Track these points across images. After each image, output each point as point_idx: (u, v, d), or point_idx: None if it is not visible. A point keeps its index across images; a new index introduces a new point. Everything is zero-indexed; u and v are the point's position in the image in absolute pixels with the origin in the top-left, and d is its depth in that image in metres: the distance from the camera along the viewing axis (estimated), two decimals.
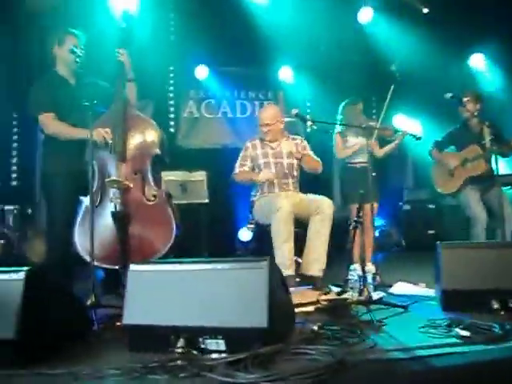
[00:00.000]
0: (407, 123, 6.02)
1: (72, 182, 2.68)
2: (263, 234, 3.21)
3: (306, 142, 3.50)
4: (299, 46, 5.58)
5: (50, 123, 2.71)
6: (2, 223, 4.52)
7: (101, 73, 2.79)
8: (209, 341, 1.69)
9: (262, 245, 3.25)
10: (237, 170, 3.41)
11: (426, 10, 5.27)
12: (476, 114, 3.71)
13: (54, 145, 2.76)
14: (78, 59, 2.57)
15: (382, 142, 3.97)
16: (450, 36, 5.43)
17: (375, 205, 3.70)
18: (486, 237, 3.70)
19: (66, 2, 4.23)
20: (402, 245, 5.94)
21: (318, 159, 3.41)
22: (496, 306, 2.12)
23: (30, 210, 4.73)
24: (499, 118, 4.03)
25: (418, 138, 3.52)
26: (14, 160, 5.28)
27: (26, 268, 1.77)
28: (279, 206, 2.96)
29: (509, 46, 5.34)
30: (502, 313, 2.08)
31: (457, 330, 1.85)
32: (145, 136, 2.68)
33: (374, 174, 3.50)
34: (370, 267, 3.34)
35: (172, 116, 5.79)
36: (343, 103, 3.87)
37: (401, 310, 2.35)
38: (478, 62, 5.95)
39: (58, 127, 2.71)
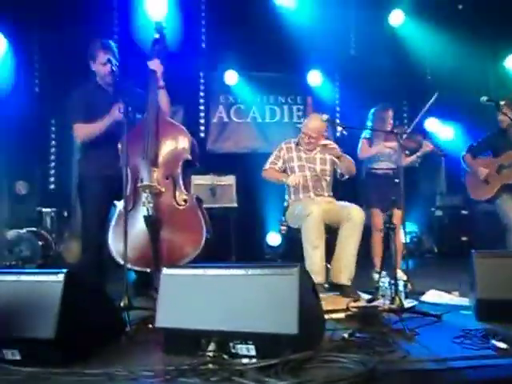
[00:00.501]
0: (438, 127, 5.90)
1: (106, 187, 2.77)
2: (292, 239, 3.21)
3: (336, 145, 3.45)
4: (328, 50, 5.55)
5: (81, 130, 2.81)
6: (41, 225, 4.71)
7: (136, 80, 2.87)
8: (239, 346, 1.71)
9: (291, 249, 3.25)
10: (267, 166, 3.42)
11: (460, 7, 5.13)
12: None
13: (90, 151, 2.87)
14: (112, 69, 2.65)
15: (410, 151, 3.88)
16: (484, 36, 5.30)
17: (398, 211, 3.64)
18: None
19: (105, 13, 4.37)
20: (434, 251, 5.80)
21: (351, 158, 3.37)
22: None
23: (66, 213, 4.91)
24: None
25: (442, 155, 3.44)
26: (52, 164, 5.49)
27: (64, 270, 1.83)
28: (310, 212, 2.96)
29: None
30: None
31: (493, 341, 1.80)
32: (176, 142, 2.74)
33: (396, 180, 3.46)
34: (400, 274, 3.28)
35: (202, 121, 5.88)
36: (373, 109, 3.83)
37: (434, 319, 2.31)
38: None
39: (88, 129, 2.79)
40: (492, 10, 5.10)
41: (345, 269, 2.99)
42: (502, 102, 3.58)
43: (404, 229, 2.89)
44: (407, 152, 3.71)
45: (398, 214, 3.59)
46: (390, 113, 3.77)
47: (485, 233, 5.28)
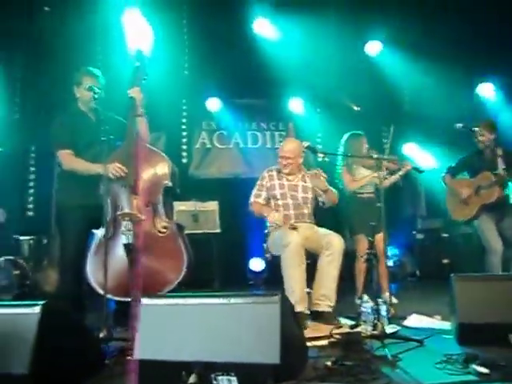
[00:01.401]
0: (416, 152, 6.05)
1: (85, 216, 2.74)
2: (276, 264, 3.20)
3: (323, 174, 3.48)
4: (309, 78, 5.69)
5: (67, 160, 2.81)
6: (18, 253, 4.59)
7: (117, 108, 2.89)
8: (221, 377, 1.68)
9: (275, 275, 3.23)
10: (252, 199, 3.43)
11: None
12: (490, 143, 3.72)
13: (69, 179, 2.84)
14: (95, 96, 2.67)
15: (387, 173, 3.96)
16: (458, 65, 5.50)
17: (381, 235, 3.68)
18: (502, 267, 3.64)
19: (85, 42, 4.41)
20: (416, 275, 5.84)
21: (335, 190, 3.42)
22: None
23: (45, 241, 4.80)
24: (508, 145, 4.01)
25: (421, 171, 3.53)
26: (31, 191, 5.41)
27: (41, 302, 1.79)
28: (289, 242, 2.95)
29: None
30: None
31: (474, 366, 1.81)
32: (156, 168, 2.74)
33: (378, 204, 3.50)
34: (388, 297, 3.29)
35: (185, 147, 5.90)
36: (346, 136, 3.90)
37: (416, 344, 2.31)
38: (486, 90, 5.99)
39: (75, 164, 2.80)
40: (465, 40, 5.33)
41: (325, 297, 2.98)
42: (480, 129, 3.71)
43: (386, 252, 2.92)
44: (387, 175, 3.79)
45: (380, 237, 3.64)
46: (363, 140, 3.84)
47: (465, 255, 5.36)
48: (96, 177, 2.66)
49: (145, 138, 2.82)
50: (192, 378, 1.67)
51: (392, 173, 3.82)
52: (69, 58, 4.03)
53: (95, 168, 2.69)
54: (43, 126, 3.02)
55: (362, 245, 3.59)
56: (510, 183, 3.48)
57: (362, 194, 3.82)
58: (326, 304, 2.95)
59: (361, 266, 3.60)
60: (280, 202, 3.34)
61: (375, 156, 3.37)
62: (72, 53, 4.32)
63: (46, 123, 2.95)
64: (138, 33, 4.82)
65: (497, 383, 1.65)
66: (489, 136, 3.72)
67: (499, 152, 3.67)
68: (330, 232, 3.17)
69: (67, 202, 2.82)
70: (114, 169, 2.62)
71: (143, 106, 2.81)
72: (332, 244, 3.03)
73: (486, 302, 2.24)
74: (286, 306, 1.79)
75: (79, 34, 4.54)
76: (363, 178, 3.80)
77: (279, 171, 3.45)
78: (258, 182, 3.47)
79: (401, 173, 3.74)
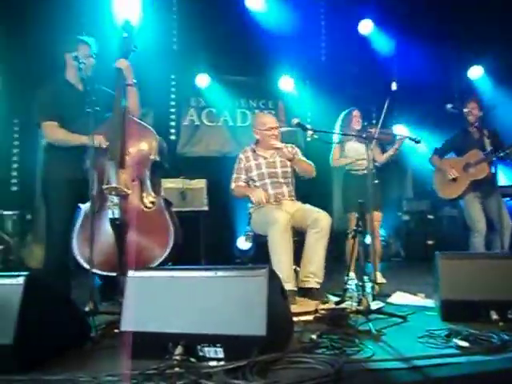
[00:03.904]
0: (406, 133, 6.06)
1: (72, 189, 2.69)
2: (263, 243, 3.21)
3: (297, 149, 3.48)
4: (300, 56, 5.63)
5: (52, 132, 2.74)
6: (1, 228, 4.53)
7: (106, 80, 2.82)
8: (207, 348, 1.69)
9: (262, 253, 3.24)
10: (233, 184, 3.39)
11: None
12: (477, 120, 3.75)
13: (55, 152, 2.78)
14: (81, 66, 2.59)
15: (383, 148, 3.98)
16: (449, 48, 5.50)
17: (377, 213, 3.70)
18: (485, 246, 3.71)
19: (72, 11, 4.28)
20: (402, 255, 5.93)
21: (311, 163, 3.40)
22: (495, 316, 2.11)
23: (29, 216, 4.74)
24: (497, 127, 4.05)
25: (418, 141, 3.48)
26: (15, 165, 5.29)
27: (25, 273, 1.77)
28: (275, 219, 2.94)
29: (506, 59, 5.40)
30: (501, 324, 2.07)
31: (455, 340, 1.85)
32: (144, 142, 2.69)
33: (376, 181, 3.51)
34: (377, 276, 3.33)
35: (173, 124, 5.82)
36: (341, 115, 3.91)
37: (400, 320, 2.35)
38: (476, 73, 6.00)
39: (60, 135, 2.73)
40: (457, 22, 5.31)
41: (313, 274, 2.98)
42: (470, 104, 3.74)
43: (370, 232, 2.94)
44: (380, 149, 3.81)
45: (376, 215, 3.66)
46: (356, 113, 3.84)
47: (449, 236, 5.46)
48: (82, 150, 2.60)
49: (135, 109, 2.76)
50: (178, 350, 1.67)
51: (385, 146, 3.81)
52: (54, 29, 3.89)
53: (80, 139, 2.63)
54: (27, 98, 2.93)
55: (354, 223, 3.62)
56: (497, 164, 3.52)
57: (357, 170, 3.80)
58: (314, 281, 2.97)
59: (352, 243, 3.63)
60: (258, 184, 3.31)
61: (364, 135, 3.38)
62: (57, 23, 4.18)
63: (30, 94, 2.87)
64: (125, 4, 4.69)
65: (476, 356, 1.69)
66: (477, 113, 3.76)
67: (485, 132, 3.71)
68: (317, 209, 3.15)
69: (53, 174, 2.76)
70: (98, 140, 2.56)
71: (133, 76, 2.75)
72: (319, 221, 3.02)
73: (470, 280, 2.28)
74: (274, 280, 1.80)
75: (64, 3, 4.39)
76: (344, 159, 3.82)
77: (254, 150, 3.42)
78: (236, 166, 3.42)
79: (396, 146, 3.73)
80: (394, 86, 3.42)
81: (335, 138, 3.86)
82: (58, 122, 2.73)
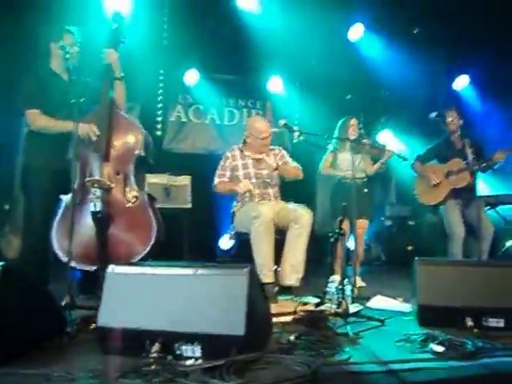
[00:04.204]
0: (392, 140, 6.15)
1: (53, 179, 2.65)
2: (244, 244, 3.20)
3: (283, 151, 3.51)
4: (290, 58, 5.64)
5: (36, 119, 2.69)
6: None
7: (92, 71, 2.78)
8: (185, 347, 1.68)
9: (244, 253, 3.24)
10: (216, 180, 3.39)
11: (416, 31, 5.37)
12: (458, 129, 3.82)
13: (37, 140, 2.74)
14: (68, 56, 2.55)
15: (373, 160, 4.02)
16: (437, 57, 5.58)
17: (364, 221, 3.75)
18: (463, 253, 3.78)
19: (59, 1, 4.20)
20: (382, 259, 6.00)
21: (297, 165, 3.42)
22: (470, 323, 2.15)
23: (7, 206, 4.63)
24: (480, 137, 4.13)
25: (405, 159, 3.59)
26: None
27: (0, 263, 1.73)
28: (259, 213, 2.95)
29: (492, 69, 5.51)
30: (476, 330, 2.10)
31: (431, 345, 1.88)
32: (129, 137, 2.66)
33: (366, 190, 3.55)
34: (357, 280, 3.35)
35: (159, 119, 5.76)
36: (340, 121, 3.94)
37: (378, 323, 2.37)
38: (462, 82, 6.11)
39: (43, 122, 2.69)
40: (444, 34, 5.39)
41: (293, 269, 3.00)
42: (449, 113, 3.82)
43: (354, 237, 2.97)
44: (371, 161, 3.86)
45: (363, 223, 3.73)
46: (353, 121, 3.88)
47: (429, 243, 5.54)
48: (65, 139, 2.56)
49: (121, 103, 2.73)
50: (155, 347, 1.65)
51: (375, 160, 3.86)
52: (41, 18, 3.82)
53: (66, 125, 2.58)
54: (6, 84, 2.87)
55: (346, 227, 3.64)
56: (478, 173, 3.59)
57: (346, 178, 3.85)
58: (294, 277, 2.98)
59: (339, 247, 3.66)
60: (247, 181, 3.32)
61: (351, 138, 3.42)
62: (45, 13, 4.10)
63: (13, 82, 2.81)
64: None
65: (451, 361, 1.72)
66: (457, 122, 3.83)
67: (467, 142, 3.78)
68: (299, 205, 3.18)
69: (35, 162, 2.71)
70: (85, 129, 2.53)
71: (120, 70, 2.72)
72: (301, 218, 3.05)
73: (446, 286, 2.32)
74: (254, 280, 1.80)
75: None
76: (333, 170, 3.86)
77: (242, 150, 3.42)
78: (221, 163, 3.42)
79: (382, 160, 3.78)
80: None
81: (330, 146, 3.91)
82: (41, 110, 2.69)
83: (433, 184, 3.93)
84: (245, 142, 3.47)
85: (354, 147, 3.51)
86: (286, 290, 2.98)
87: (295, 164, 3.43)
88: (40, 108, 2.68)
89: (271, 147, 3.45)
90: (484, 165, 3.63)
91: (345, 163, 3.83)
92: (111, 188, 2.53)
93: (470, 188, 3.73)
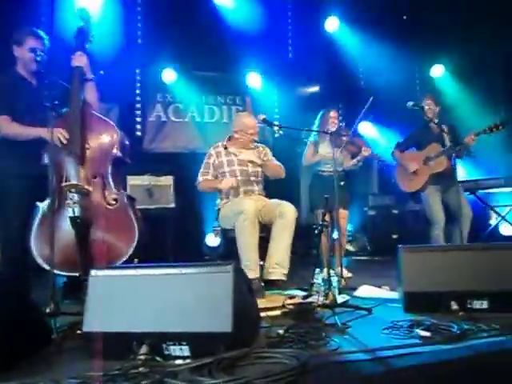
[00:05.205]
0: (371, 131, 6.20)
1: (26, 186, 2.59)
2: (231, 239, 3.20)
3: (267, 149, 3.53)
4: (268, 53, 5.64)
5: (4, 126, 2.63)
6: None
7: (61, 73, 2.72)
8: (173, 347, 1.66)
9: (230, 250, 3.23)
10: (200, 178, 3.39)
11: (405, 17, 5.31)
12: (435, 116, 3.87)
13: (7, 147, 2.67)
14: (38, 58, 2.50)
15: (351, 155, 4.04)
16: (413, 46, 5.64)
17: (343, 211, 3.77)
18: (444, 238, 3.84)
19: (30, 4, 4.11)
20: (368, 249, 6.05)
21: (280, 164, 3.44)
22: (455, 306, 2.18)
23: None
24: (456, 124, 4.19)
25: (380, 161, 3.63)
26: None
27: None
28: (243, 209, 2.96)
29: (467, 59, 5.59)
30: (461, 313, 2.14)
31: (418, 330, 1.90)
32: (104, 137, 2.62)
33: (342, 182, 3.57)
34: (343, 271, 3.37)
35: (139, 120, 5.70)
36: (320, 112, 3.95)
37: (365, 312, 2.39)
38: (438, 72, 6.20)
39: (14, 129, 2.63)
40: (420, 23, 5.45)
41: (278, 265, 3.01)
42: (427, 101, 3.87)
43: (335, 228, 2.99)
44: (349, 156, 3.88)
45: (343, 213, 3.75)
46: (332, 113, 3.89)
47: (412, 230, 5.61)
48: (38, 144, 2.50)
49: (93, 104, 2.68)
50: (143, 349, 1.64)
51: (352, 156, 3.89)
52: (9, 18, 3.73)
53: (37, 131, 2.53)
54: None
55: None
56: (456, 158, 3.64)
57: (323, 171, 3.89)
58: (280, 272, 3.00)
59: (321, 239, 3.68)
60: (230, 178, 3.31)
61: (331, 131, 3.44)
62: (13, 12, 4.00)
63: None
64: None
65: (438, 345, 1.74)
66: (434, 108, 3.88)
67: (444, 128, 3.83)
68: (283, 201, 3.19)
69: (7, 172, 2.64)
70: (57, 134, 2.48)
71: (90, 70, 2.66)
72: (285, 212, 3.06)
73: (430, 272, 2.34)
74: (240, 276, 1.79)
75: None
76: (317, 155, 3.87)
77: (226, 147, 3.41)
78: (205, 161, 3.42)
79: (359, 158, 3.81)
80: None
81: (311, 137, 3.91)
82: (10, 116, 2.62)
83: (411, 171, 3.99)
84: (230, 139, 3.46)
85: (332, 140, 3.53)
86: (273, 284, 2.99)
87: (278, 163, 3.44)
88: (8, 114, 2.62)
89: (255, 144, 3.46)
90: (458, 149, 3.68)
91: (325, 155, 3.84)
92: (89, 192, 2.49)
93: (449, 173, 3.79)
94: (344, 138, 3.61)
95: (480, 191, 4.69)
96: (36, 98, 2.45)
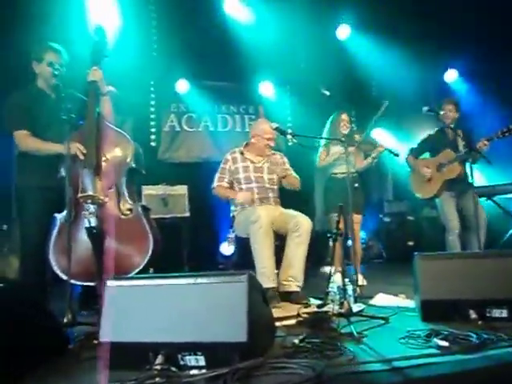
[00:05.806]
0: (385, 137, 6.16)
1: (45, 198, 2.64)
2: (245, 248, 3.20)
3: (285, 158, 3.55)
4: (280, 62, 5.66)
5: (24, 141, 2.69)
6: None
7: (78, 86, 2.78)
8: (188, 357, 1.67)
9: (245, 258, 3.24)
10: (215, 183, 3.42)
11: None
12: (453, 121, 3.84)
13: (27, 160, 2.72)
14: (56, 72, 2.56)
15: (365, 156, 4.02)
16: (426, 51, 5.60)
17: (357, 216, 3.74)
18: (461, 245, 3.78)
19: (44, 16, 4.21)
20: (383, 256, 5.99)
21: (297, 176, 3.46)
22: (474, 315, 2.14)
23: (5, 226, 4.61)
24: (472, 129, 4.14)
25: (396, 155, 3.58)
26: None
27: None
28: (257, 217, 2.96)
29: (481, 63, 5.53)
30: (480, 322, 2.10)
31: (435, 340, 1.87)
32: (119, 149, 2.66)
33: (356, 185, 3.54)
34: (359, 277, 3.34)
35: (153, 130, 5.77)
36: (331, 117, 3.95)
37: (381, 321, 2.36)
38: (451, 76, 6.14)
39: (33, 144, 2.69)
40: (432, 28, 5.42)
41: (293, 278, 3.01)
42: (447, 106, 3.82)
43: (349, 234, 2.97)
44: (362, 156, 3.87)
45: (357, 218, 3.71)
46: (344, 116, 3.89)
47: (428, 237, 5.54)
48: (56, 157, 2.56)
49: (108, 117, 2.73)
50: (159, 359, 1.65)
51: (367, 155, 3.86)
52: (26, 34, 3.82)
53: (54, 148, 2.59)
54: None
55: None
56: (469, 163, 3.59)
57: (337, 173, 3.86)
58: (294, 285, 2.99)
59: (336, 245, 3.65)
60: (244, 186, 3.33)
61: (343, 134, 3.44)
62: (29, 28, 4.10)
63: (1, 103, 2.81)
64: (102, 11, 4.64)
65: (456, 355, 1.71)
66: (453, 114, 3.84)
67: (459, 133, 3.79)
68: (298, 213, 3.18)
69: (27, 184, 2.70)
70: (75, 148, 2.53)
71: (106, 84, 2.72)
72: (300, 225, 3.05)
73: (448, 280, 2.31)
74: (255, 285, 1.79)
75: (37, 7, 4.31)
76: (331, 156, 3.85)
77: (242, 153, 3.43)
78: (221, 166, 3.44)
79: (373, 155, 3.77)
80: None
81: (322, 141, 3.91)
82: (29, 131, 2.68)
83: (426, 178, 3.95)
84: (247, 145, 3.49)
85: (345, 142, 3.52)
86: (287, 295, 2.97)
87: (295, 175, 3.46)
88: (28, 129, 2.68)
89: (273, 152, 3.47)
90: (471, 154, 3.63)
91: (337, 153, 3.81)
92: (105, 202, 2.52)
93: (463, 179, 3.74)
94: (357, 136, 3.60)
95: (498, 196, 4.61)
96: (55, 111, 2.51)
